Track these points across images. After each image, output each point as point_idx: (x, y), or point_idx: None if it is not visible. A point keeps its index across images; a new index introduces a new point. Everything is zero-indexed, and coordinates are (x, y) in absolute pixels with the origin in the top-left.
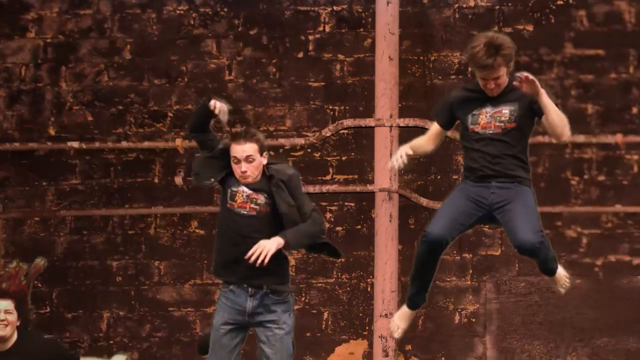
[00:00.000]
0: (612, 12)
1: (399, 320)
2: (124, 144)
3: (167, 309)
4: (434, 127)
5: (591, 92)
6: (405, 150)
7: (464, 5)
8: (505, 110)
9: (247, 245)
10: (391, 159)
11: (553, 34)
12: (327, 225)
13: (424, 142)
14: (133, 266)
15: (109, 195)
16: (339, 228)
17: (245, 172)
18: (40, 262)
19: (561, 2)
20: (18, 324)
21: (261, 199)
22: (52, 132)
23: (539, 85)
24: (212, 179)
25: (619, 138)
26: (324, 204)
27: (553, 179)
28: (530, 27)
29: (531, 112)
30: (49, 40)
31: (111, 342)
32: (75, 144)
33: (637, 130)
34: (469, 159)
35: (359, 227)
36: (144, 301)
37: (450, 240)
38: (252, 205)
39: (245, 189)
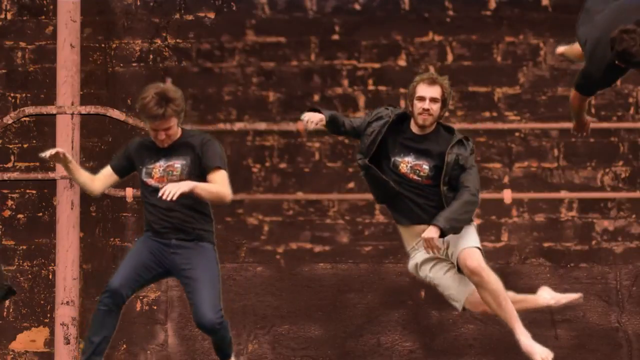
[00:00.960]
0: (293, 0)
1: None
2: None
3: None
4: (107, 170)
5: (273, 79)
6: (61, 151)
7: None
8: (177, 165)
9: None
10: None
11: (235, 21)
12: (8, 213)
13: (90, 180)
14: None
15: None
16: (20, 215)
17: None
18: None
19: None
20: None
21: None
22: None
23: (186, 190)
24: None
25: (300, 126)
26: (5, 191)
27: (235, 167)
28: (212, 15)
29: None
30: None
31: None
32: None
33: None
34: (147, 212)
35: (41, 214)
36: None
37: (130, 293)
38: None
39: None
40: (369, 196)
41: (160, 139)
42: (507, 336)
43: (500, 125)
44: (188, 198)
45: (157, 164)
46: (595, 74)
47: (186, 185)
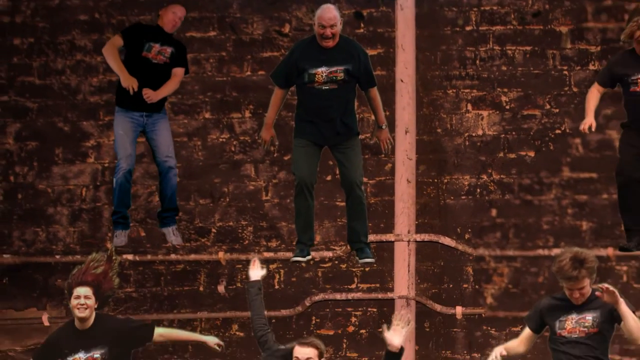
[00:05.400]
0: (604, 140)
1: None
2: (173, 256)
3: None
4: (526, 332)
5: (585, 210)
6: (500, 350)
7: (473, 134)
8: (589, 317)
9: None
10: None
11: (552, 159)
12: (352, 329)
13: (517, 344)
14: None
15: (159, 302)
16: (362, 331)
17: None
18: (112, 256)
19: (559, 132)
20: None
21: None
22: (109, 246)
23: (618, 295)
24: None
25: (610, 251)
26: (349, 309)
27: (553, 289)
28: (532, 154)
29: (611, 318)
30: (106, 165)
31: None
32: (130, 257)
33: None
34: None
35: (381, 330)
36: None
37: None
38: None
39: None
40: None
41: (575, 297)
42: None
43: None
44: (595, 347)
45: (569, 317)
46: None
47: None
